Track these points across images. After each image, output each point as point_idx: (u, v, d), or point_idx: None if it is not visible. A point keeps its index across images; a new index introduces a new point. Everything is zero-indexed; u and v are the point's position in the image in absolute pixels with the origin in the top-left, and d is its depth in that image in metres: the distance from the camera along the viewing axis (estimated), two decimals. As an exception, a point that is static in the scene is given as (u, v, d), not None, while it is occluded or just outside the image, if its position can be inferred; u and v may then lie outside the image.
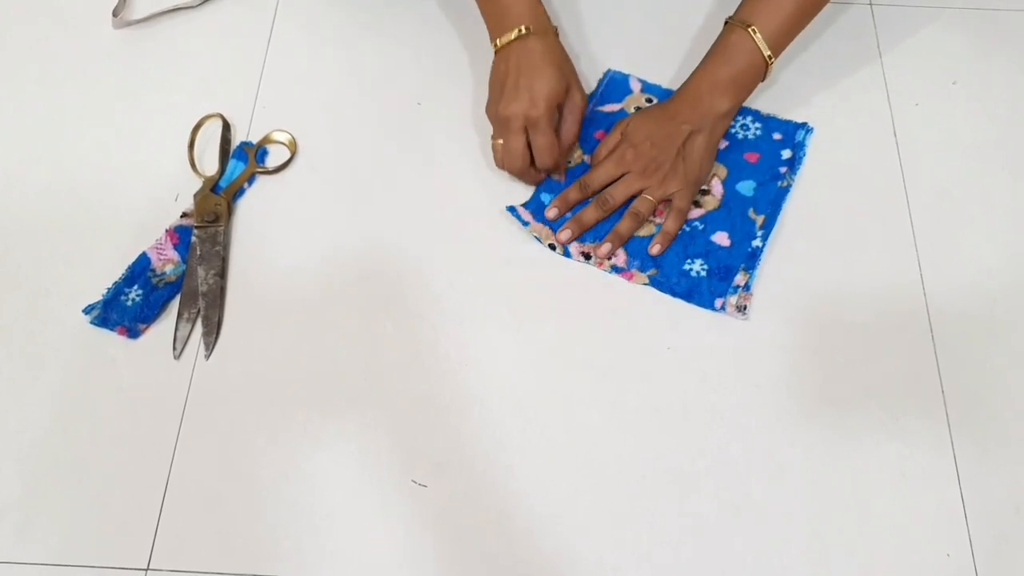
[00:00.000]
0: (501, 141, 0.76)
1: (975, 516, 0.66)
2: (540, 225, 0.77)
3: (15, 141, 0.83)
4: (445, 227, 0.78)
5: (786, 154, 0.81)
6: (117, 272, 0.75)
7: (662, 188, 0.76)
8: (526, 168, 0.77)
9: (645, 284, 0.75)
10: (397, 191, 0.80)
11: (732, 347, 0.72)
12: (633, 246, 0.77)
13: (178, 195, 0.79)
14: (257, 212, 0.79)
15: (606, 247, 0.75)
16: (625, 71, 0.87)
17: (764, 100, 0.84)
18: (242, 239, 0.77)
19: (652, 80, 0.86)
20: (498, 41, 0.76)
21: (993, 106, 0.85)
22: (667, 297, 0.74)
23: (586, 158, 0.81)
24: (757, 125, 0.83)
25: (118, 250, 0.76)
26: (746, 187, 0.79)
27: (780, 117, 0.84)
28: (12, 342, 0.73)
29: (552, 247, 0.76)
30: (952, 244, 0.77)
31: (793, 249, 0.76)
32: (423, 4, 0.91)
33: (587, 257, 0.76)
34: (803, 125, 0.83)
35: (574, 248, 0.76)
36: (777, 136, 0.82)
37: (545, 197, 0.79)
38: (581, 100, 0.78)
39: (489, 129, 0.79)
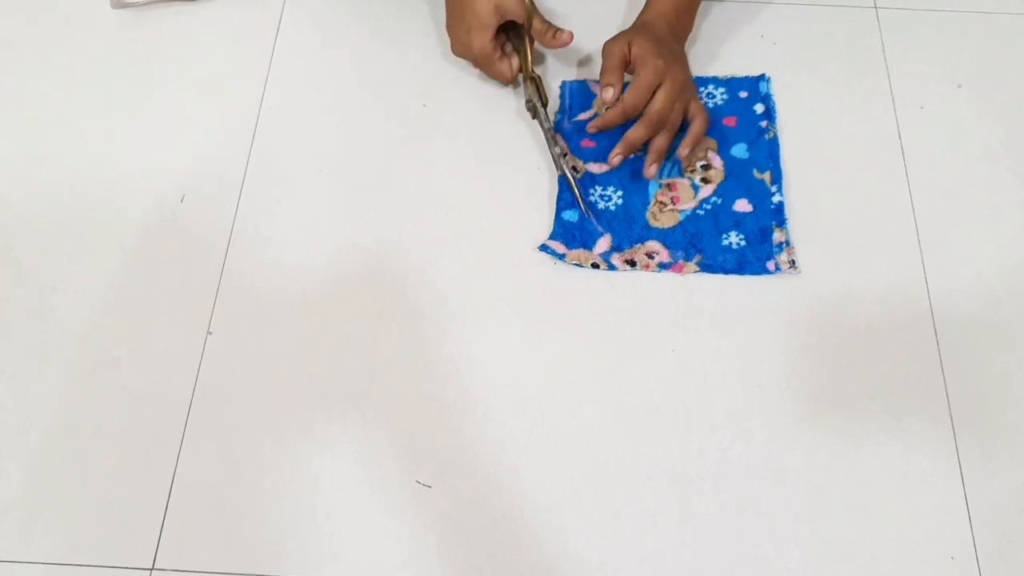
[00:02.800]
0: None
1: (979, 518, 0.66)
2: (576, 252, 0.76)
3: (19, 139, 0.83)
4: (450, 228, 0.78)
5: (759, 108, 0.84)
6: (120, 272, 0.75)
7: (685, 96, 0.79)
8: (504, 71, 0.82)
9: (696, 272, 0.76)
10: (402, 192, 0.80)
11: (735, 349, 0.72)
12: (672, 240, 0.77)
13: (184, 196, 0.79)
14: (262, 212, 0.79)
15: (653, 167, 0.77)
16: (579, 78, 0.87)
17: (768, 102, 0.85)
18: (246, 239, 0.77)
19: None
20: None
21: (998, 109, 0.85)
22: (670, 298, 0.74)
23: (588, 167, 0.81)
24: (721, 90, 0.85)
25: (123, 249, 0.77)
26: (740, 150, 0.81)
27: (737, 76, 0.86)
28: (16, 340, 0.73)
29: (595, 266, 0.76)
30: (957, 247, 0.77)
31: (797, 250, 0.76)
32: (429, 5, 0.91)
33: (632, 264, 0.76)
34: (761, 76, 0.85)
35: (617, 260, 0.76)
36: (743, 94, 0.85)
37: (568, 215, 0.78)
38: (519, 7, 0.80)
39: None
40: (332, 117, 0.84)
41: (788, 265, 0.75)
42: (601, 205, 0.79)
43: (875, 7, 0.91)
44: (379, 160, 0.82)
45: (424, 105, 0.85)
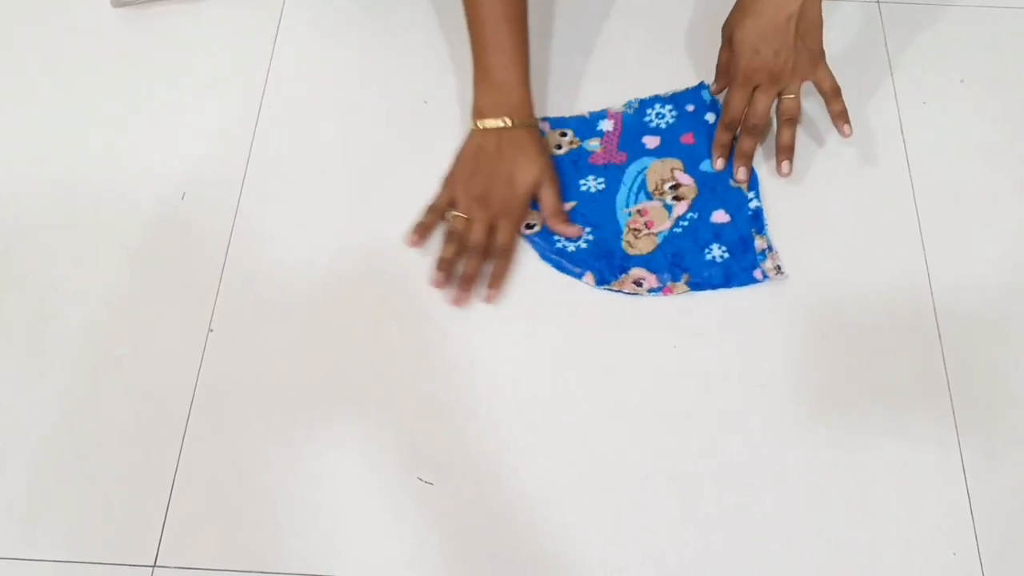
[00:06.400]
0: (464, 216, 0.75)
1: (981, 515, 0.66)
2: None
3: (21, 139, 0.83)
4: (451, 226, 0.78)
5: (710, 118, 0.82)
6: (122, 271, 0.75)
7: (797, 79, 0.77)
8: (480, 251, 0.74)
9: (686, 292, 0.74)
10: (404, 190, 0.79)
11: (737, 347, 0.72)
12: (654, 264, 0.76)
13: (184, 193, 0.79)
14: (262, 211, 0.79)
15: (742, 171, 0.76)
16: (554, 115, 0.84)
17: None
18: (247, 237, 0.77)
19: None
20: (480, 124, 0.76)
21: (1001, 105, 0.84)
22: (671, 297, 0.74)
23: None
24: (669, 107, 0.84)
25: (125, 249, 0.77)
26: (707, 165, 0.80)
27: (678, 91, 0.85)
28: (19, 340, 0.73)
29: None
30: (959, 244, 0.77)
31: (800, 249, 0.76)
32: (430, 3, 0.91)
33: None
34: (700, 85, 0.84)
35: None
36: (690, 108, 0.83)
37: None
38: (555, 188, 0.77)
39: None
40: (333, 115, 0.84)
41: (775, 271, 0.74)
42: (571, 247, 0.77)
43: (878, 2, 0.91)
44: (380, 158, 0.82)
45: (425, 102, 0.85)
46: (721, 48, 0.79)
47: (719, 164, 0.77)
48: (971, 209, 0.79)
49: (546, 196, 0.77)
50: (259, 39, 0.88)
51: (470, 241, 0.75)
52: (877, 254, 0.76)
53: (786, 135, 0.77)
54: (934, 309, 0.74)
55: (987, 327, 0.73)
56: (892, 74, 0.86)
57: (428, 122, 0.83)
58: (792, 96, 0.77)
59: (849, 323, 0.73)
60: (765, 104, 0.76)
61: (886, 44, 0.88)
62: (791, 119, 0.77)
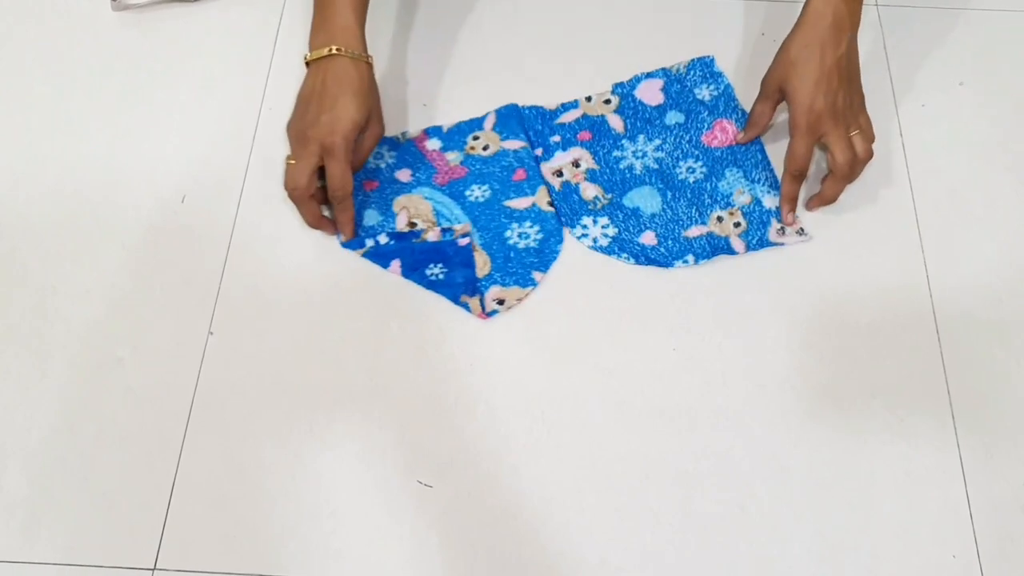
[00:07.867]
0: (293, 161, 0.73)
1: (980, 516, 0.66)
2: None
3: (22, 140, 0.83)
4: (450, 227, 0.78)
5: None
6: (122, 273, 0.75)
7: (859, 119, 0.75)
8: (306, 195, 0.73)
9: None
10: (403, 191, 0.80)
11: (738, 348, 0.72)
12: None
13: (184, 196, 0.79)
14: (263, 212, 0.79)
15: (791, 216, 0.76)
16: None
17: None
18: (248, 239, 0.77)
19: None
20: (308, 55, 0.74)
21: (999, 107, 0.85)
22: (674, 297, 0.74)
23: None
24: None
25: (124, 249, 0.77)
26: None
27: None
28: (19, 340, 0.73)
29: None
30: (958, 245, 0.77)
31: (799, 250, 0.76)
32: (429, 5, 0.91)
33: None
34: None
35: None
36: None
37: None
38: (379, 131, 0.77)
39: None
40: (333, 117, 0.84)
41: (797, 234, 0.77)
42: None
43: (876, 4, 0.91)
44: (380, 159, 0.82)
45: (424, 104, 0.85)
46: (758, 100, 0.78)
47: (789, 219, 0.76)
48: (970, 210, 0.79)
49: (360, 147, 0.75)
50: (259, 41, 0.89)
51: (287, 185, 0.73)
52: (876, 255, 0.76)
53: (836, 189, 0.75)
54: (933, 309, 0.74)
55: (986, 327, 0.73)
56: (891, 76, 0.86)
57: (427, 123, 0.84)
58: (861, 137, 0.74)
59: (848, 324, 0.73)
60: (842, 147, 0.73)
61: (885, 47, 0.88)
62: (864, 160, 0.74)
